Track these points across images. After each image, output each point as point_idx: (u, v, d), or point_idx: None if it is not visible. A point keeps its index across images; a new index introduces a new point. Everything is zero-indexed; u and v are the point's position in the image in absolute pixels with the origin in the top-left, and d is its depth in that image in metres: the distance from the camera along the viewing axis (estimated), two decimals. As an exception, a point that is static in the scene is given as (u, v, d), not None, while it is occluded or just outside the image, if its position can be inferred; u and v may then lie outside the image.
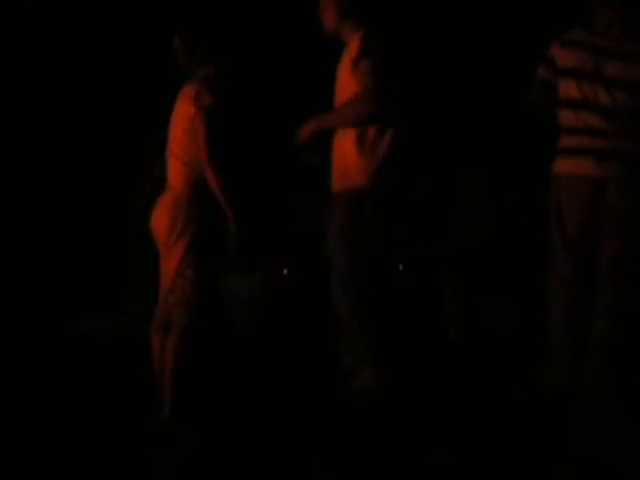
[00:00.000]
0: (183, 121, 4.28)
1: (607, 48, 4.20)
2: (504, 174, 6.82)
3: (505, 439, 3.78)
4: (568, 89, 4.23)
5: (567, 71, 4.22)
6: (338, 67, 4.33)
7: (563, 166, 4.25)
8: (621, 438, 3.67)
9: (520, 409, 4.15)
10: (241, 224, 4.25)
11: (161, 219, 4.31)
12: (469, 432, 3.91)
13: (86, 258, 7.99)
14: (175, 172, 4.33)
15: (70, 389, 5.06)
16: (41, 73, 8.01)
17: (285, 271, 4.24)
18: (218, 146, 4.22)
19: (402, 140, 4.23)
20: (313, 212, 4.32)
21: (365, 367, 4.16)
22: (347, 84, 4.24)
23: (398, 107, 4.23)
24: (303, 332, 6.48)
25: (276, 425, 4.20)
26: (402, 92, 4.27)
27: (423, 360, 4.45)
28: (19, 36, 7.93)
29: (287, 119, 4.62)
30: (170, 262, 4.29)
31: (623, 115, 4.18)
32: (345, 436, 3.91)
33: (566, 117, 4.25)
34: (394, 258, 4.33)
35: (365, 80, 4.14)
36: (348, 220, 4.22)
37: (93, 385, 5.16)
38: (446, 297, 6.72)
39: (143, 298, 6.98)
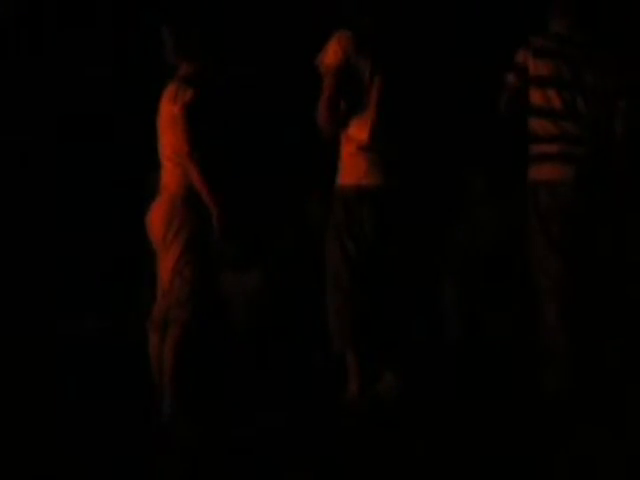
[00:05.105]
0: (169, 123, 4.31)
1: (581, 56, 4.24)
2: (507, 174, 6.81)
3: (504, 440, 3.78)
4: (545, 97, 4.24)
5: (544, 80, 4.23)
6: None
7: (543, 173, 4.26)
8: (620, 438, 3.67)
9: (519, 410, 4.15)
10: (226, 220, 4.27)
11: (157, 219, 4.34)
12: (468, 432, 3.91)
13: (85, 255, 7.99)
14: (169, 173, 4.35)
15: (69, 389, 5.07)
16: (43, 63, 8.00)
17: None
18: (199, 141, 4.25)
19: (403, 140, 4.24)
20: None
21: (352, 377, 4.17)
22: None
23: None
24: (302, 330, 6.47)
25: (275, 425, 4.21)
26: (403, 92, 4.27)
27: (423, 361, 4.45)
28: None
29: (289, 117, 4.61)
30: (167, 261, 4.31)
31: (597, 122, 4.22)
32: (344, 437, 3.91)
33: (544, 125, 4.25)
34: (391, 259, 4.30)
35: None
36: (342, 218, 4.21)
37: (92, 385, 5.16)
38: (446, 298, 6.71)
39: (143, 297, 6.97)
